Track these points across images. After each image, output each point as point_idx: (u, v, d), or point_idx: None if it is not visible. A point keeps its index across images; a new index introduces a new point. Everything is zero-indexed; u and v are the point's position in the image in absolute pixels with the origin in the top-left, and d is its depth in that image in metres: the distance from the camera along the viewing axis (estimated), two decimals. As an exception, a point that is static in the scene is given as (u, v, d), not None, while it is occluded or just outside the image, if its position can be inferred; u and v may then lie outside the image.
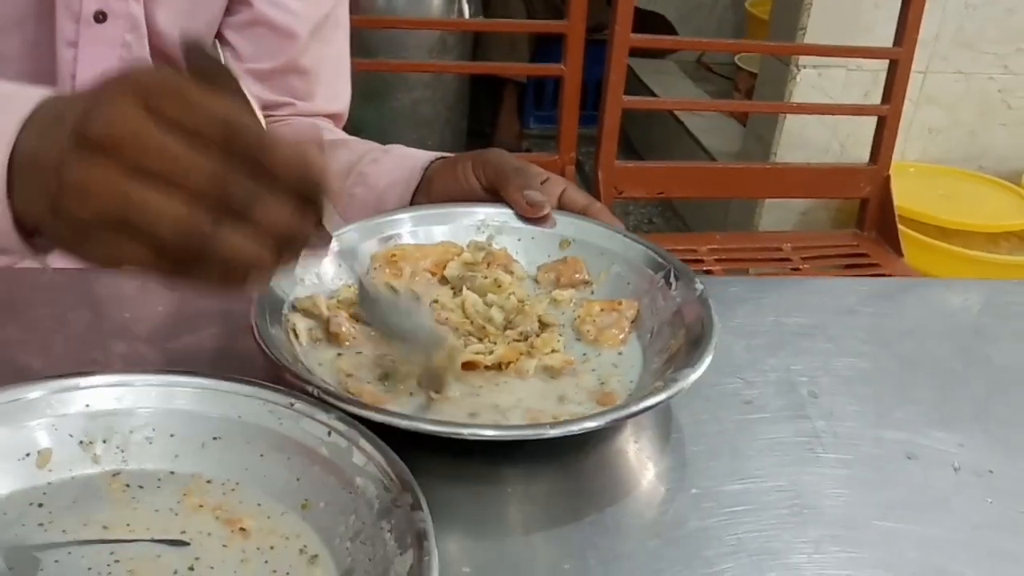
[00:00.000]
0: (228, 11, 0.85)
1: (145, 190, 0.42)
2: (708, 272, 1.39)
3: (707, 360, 0.55)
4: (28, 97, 0.49)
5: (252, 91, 0.87)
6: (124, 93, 0.43)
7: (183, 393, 0.50)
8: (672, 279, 0.64)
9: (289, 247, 0.45)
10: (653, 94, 3.06)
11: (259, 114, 0.45)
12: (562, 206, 0.71)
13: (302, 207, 0.44)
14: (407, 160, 0.80)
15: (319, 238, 0.47)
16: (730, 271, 1.45)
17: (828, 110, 1.79)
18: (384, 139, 0.93)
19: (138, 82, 0.43)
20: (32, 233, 0.49)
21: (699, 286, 0.62)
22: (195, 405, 0.50)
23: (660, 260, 0.66)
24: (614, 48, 1.42)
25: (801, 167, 1.72)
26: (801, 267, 1.47)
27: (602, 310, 0.65)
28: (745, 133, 2.56)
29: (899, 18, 1.50)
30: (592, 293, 0.67)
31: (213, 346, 0.63)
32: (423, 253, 0.68)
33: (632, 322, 0.64)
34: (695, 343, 0.57)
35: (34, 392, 0.48)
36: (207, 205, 0.42)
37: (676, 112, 2.88)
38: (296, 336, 0.58)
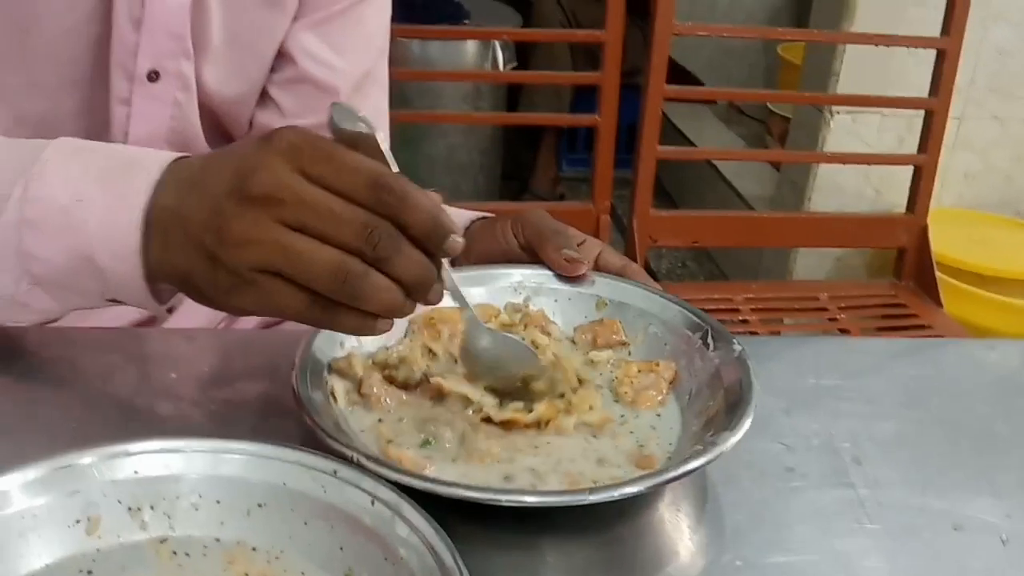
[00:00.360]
0: (272, 68, 0.88)
1: (302, 241, 0.48)
2: (744, 322, 1.39)
3: (747, 423, 0.55)
4: (155, 160, 0.56)
5: None
6: (277, 153, 0.50)
7: (229, 459, 0.51)
8: (710, 340, 0.64)
9: (418, 293, 0.51)
10: (686, 138, 3.08)
11: (398, 169, 0.52)
12: (598, 268, 0.72)
13: (430, 257, 0.51)
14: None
15: (439, 285, 0.53)
16: (765, 320, 1.45)
17: (863, 160, 1.79)
18: (419, 184, 0.94)
19: (289, 143, 0.50)
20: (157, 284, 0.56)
21: (737, 347, 0.62)
22: (241, 471, 0.50)
23: (697, 321, 0.66)
24: (648, 99, 1.43)
25: (836, 216, 1.71)
26: (838, 317, 1.46)
27: (640, 371, 0.65)
28: (779, 178, 2.56)
29: (934, 69, 1.50)
30: (629, 354, 0.67)
31: (259, 405, 0.64)
32: (458, 316, 0.68)
33: (670, 383, 0.64)
34: (734, 405, 0.57)
35: (85, 458, 0.49)
36: (356, 253, 0.48)
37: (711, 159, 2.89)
38: (335, 399, 0.59)
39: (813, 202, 2.24)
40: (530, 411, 0.59)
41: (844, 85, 2.13)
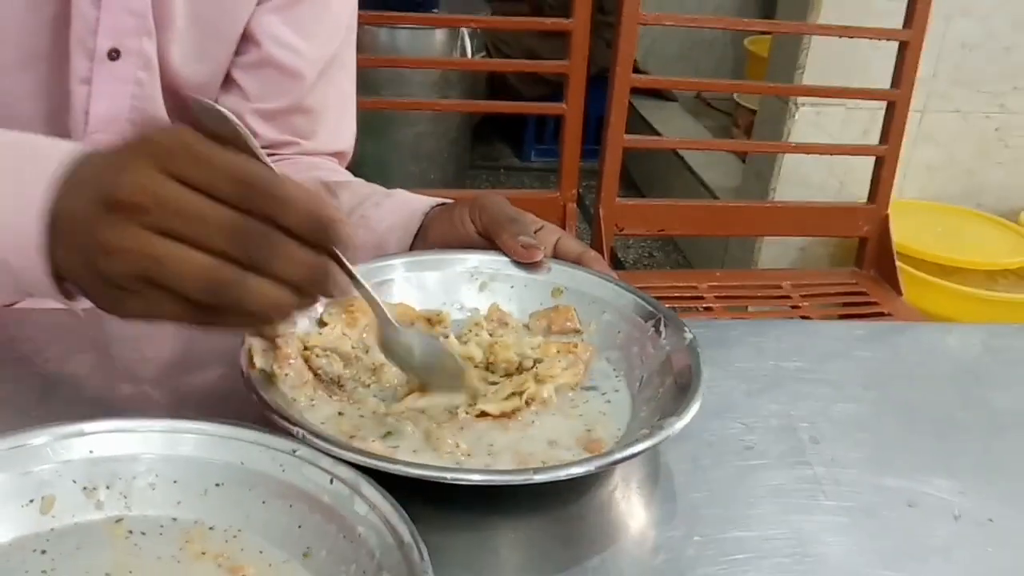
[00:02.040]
0: (237, 51, 0.87)
1: (171, 248, 0.45)
2: (708, 309, 1.40)
3: (694, 408, 0.55)
4: (55, 153, 0.52)
5: (258, 130, 0.89)
6: (143, 156, 0.46)
7: (186, 439, 0.50)
8: (662, 328, 0.64)
9: (309, 289, 0.48)
10: (653, 129, 3.09)
11: (271, 165, 0.48)
12: (556, 255, 0.72)
13: (318, 251, 0.48)
14: (408, 205, 0.80)
15: (342, 277, 0.50)
16: (730, 308, 1.46)
17: (826, 150, 1.81)
18: (386, 172, 0.94)
19: (155, 144, 0.47)
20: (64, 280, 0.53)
21: (688, 335, 0.62)
22: (198, 451, 0.50)
23: (651, 309, 0.66)
24: (615, 89, 1.44)
25: (800, 206, 1.73)
26: (800, 305, 1.47)
27: (558, 351, 0.65)
28: (744, 169, 2.58)
29: (896, 61, 1.51)
30: (583, 340, 0.67)
31: (221, 387, 0.63)
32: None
33: (586, 364, 0.64)
34: (683, 390, 0.57)
35: (38, 438, 0.49)
36: (229, 257, 0.45)
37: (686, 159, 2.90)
38: (253, 362, 0.58)
39: (778, 193, 2.26)
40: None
41: (809, 77, 2.14)
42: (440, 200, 0.80)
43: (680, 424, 0.53)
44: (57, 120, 0.79)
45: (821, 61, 2.13)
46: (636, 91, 1.46)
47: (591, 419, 0.60)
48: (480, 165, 3.19)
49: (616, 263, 2.57)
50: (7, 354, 0.66)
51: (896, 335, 0.85)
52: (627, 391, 0.63)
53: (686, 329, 0.63)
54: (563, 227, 1.45)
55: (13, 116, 0.76)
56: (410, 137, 2.51)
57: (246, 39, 0.87)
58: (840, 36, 1.55)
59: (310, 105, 0.91)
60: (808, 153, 1.82)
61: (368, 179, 0.91)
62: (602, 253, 1.46)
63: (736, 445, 0.62)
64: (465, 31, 2.49)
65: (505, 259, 0.71)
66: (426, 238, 0.77)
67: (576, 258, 0.71)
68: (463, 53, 2.52)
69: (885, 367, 0.75)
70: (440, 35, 2.45)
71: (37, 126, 0.77)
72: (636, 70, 1.50)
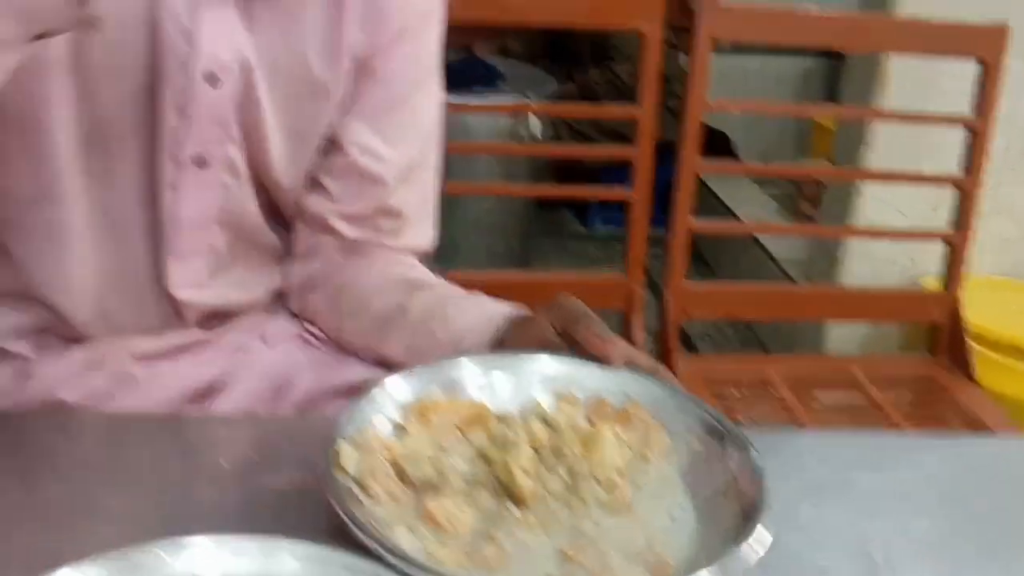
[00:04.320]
0: (322, 153, 0.90)
1: None
2: (779, 398, 1.39)
3: (766, 539, 0.55)
4: None
5: (343, 231, 0.92)
6: None
7: (282, 560, 0.53)
8: (729, 446, 0.65)
9: None
10: (717, 198, 3.10)
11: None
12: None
13: None
14: (488, 309, 0.83)
15: None
16: (799, 395, 1.45)
17: (894, 235, 1.80)
18: (453, 244, 0.96)
19: None
20: None
21: (755, 455, 0.62)
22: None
23: (719, 426, 0.66)
24: (682, 173, 1.46)
25: (869, 291, 1.72)
26: (871, 393, 1.46)
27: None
28: (811, 242, 2.57)
29: (965, 147, 1.51)
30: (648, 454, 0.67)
31: (297, 495, 0.65)
32: (454, 409, 0.69)
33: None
34: (750, 517, 0.57)
35: (139, 554, 0.51)
36: None
37: (742, 219, 2.91)
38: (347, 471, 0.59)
39: (846, 266, 2.23)
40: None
41: (877, 150, 2.13)
42: (519, 309, 0.82)
43: (753, 557, 0.54)
44: (151, 222, 0.82)
45: (889, 134, 2.12)
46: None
47: (653, 535, 0.60)
48: (545, 233, 3.23)
49: (684, 338, 2.56)
50: (96, 461, 0.69)
51: (975, 446, 0.85)
52: (692, 510, 0.63)
53: (752, 448, 0.63)
54: (630, 315, 1.48)
55: (116, 222, 0.81)
56: (476, 211, 2.56)
57: (332, 144, 0.89)
58: (907, 122, 1.55)
59: (393, 207, 0.93)
60: (875, 237, 1.81)
61: (435, 250, 0.94)
62: (669, 336, 1.48)
63: (806, 567, 0.62)
64: (529, 101, 2.55)
65: (579, 363, 0.71)
66: (505, 343, 0.78)
67: (647, 373, 0.72)
68: (528, 129, 2.57)
69: (963, 481, 0.74)
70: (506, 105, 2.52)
71: (134, 229, 0.82)
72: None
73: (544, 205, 3.19)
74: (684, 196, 1.46)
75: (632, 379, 0.71)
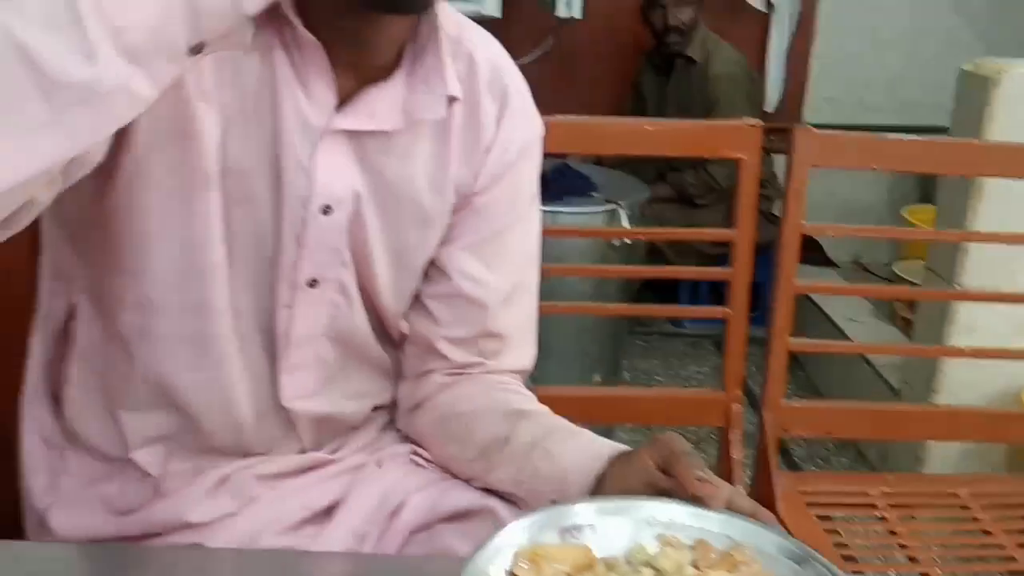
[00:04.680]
0: (427, 279, 0.95)
1: None
2: (882, 519, 1.38)
3: None
4: None
5: (448, 355, 0.97)
6: None
7: None
8: None
9: None
10: (808, 298, 3.09)
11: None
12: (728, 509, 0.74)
13: None
14: (593, 447, 0.86)
15: None
16: (902, 517, 1.43)
17: (996, 354, 1.78)
18: (545, 344, 1.00)
19: None
20: None
21: None
22: None
23: (827, 572, 0.67)
24: (780, 294, 1.48)
25: (974, 411, 1.70)
26: (979, 517, 1.43)
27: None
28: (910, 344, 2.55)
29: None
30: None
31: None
32: (564, 555, 0.70)
33: None
34: None
35: None
36: None
37: (835, 319, 2.89)
38: None
39: (945, 374, 2.20)
40: None
41: (974, 257, 2.12)
42: (623, 447, 0.85)
43: None
44: (264, 338, 0.88)
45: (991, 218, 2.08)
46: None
47: None
48: (635, 331, 3.25)
49: (784, 453, 2.53)
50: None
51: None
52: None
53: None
54: (728, 431, 1.50)
55: (235, 332, 0.86)
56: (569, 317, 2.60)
57: (437, 270, 0.95)
58: (1003, 243, 1.55)
59: (496, 330, 0.97)
60: (973, 357, 1.79)
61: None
62: (768, 453, 1.49)
63: None
64: (622, 212, 2.60)
65: (681, 506, 0.73)
66: (608, 480, 0.81)
67: (749, 515, 0.73)
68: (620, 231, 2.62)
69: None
70: (599, 215, 2.57)
71: (254, 343, 0.88)
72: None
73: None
74: (782, 316, 1.48)
75: (734, 521, 0.72)
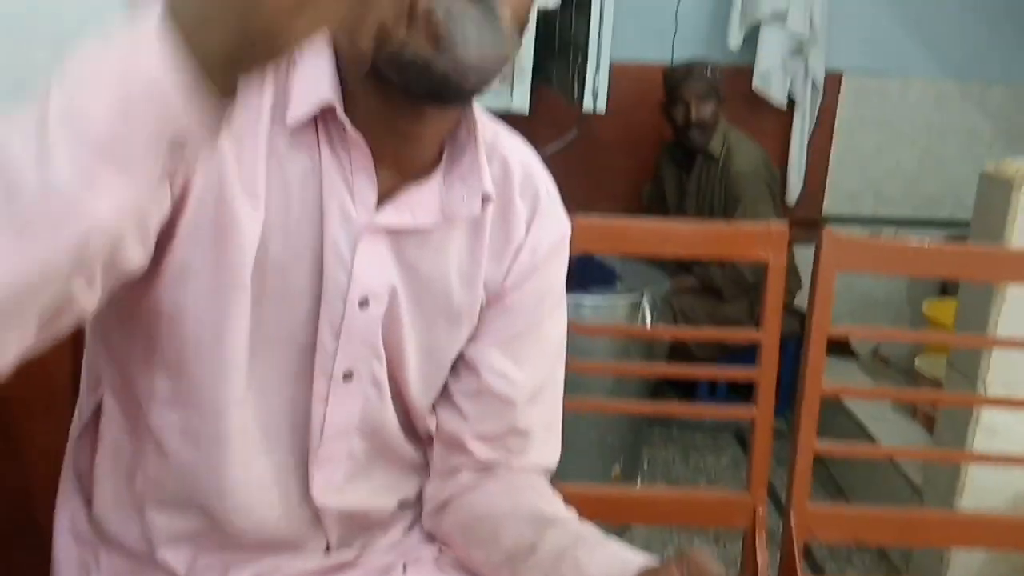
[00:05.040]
0: (456, 375, 0.96)
1: None
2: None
3: None
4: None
5: (475, 451, 0.97)
6: None
7: None
8: None
9: None
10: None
11: None
12: None
13: None
14: (620, 558, 0.86)
15: None
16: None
17: (1015, 460, 1.76)
18: (566, 436, 1.00)
19: None
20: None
21: None
22: None
23: None
24: (806, 396, 1.48)
25: (997, 518, 1.68)
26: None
27: None
28: (931, 443, 2.52)
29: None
30: None
31: None
32: None
33: None
34: None
35: None
36: None
37: (857, 415, 2.87)
38: None
39: (968, 476, 2.18)
40: None
41: (997, 357, 2.10)
42: (651, 561, 0.85)
43: None
44: (297, 430, 0.89)
45: (1015, 318, 2.07)
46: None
47: None
48: (654, 423, 3.24)
49: (809, 558, 2.50)
50: None
51: None
52: None
53: None
54: (753, 534, 1.48)
55: (270, 431, 0.87)
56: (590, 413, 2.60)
57: (467, 367, 0.96)
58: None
59: (522, 427, 0.98)
60: (997, 464, 1.78)
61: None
62: (794, 557, 1.47)
63: None
64: (646, 303, 2.62)
65: None
66: None
67: None
68: (643, 320, 2.64)
69: None
70: (622, 309, 2.59)
71: (284, 438, 0.89)
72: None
73: (653, 395, 3.22)
74: (808, 420, 1.48)
75: None
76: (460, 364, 0.97)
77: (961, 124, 3.60)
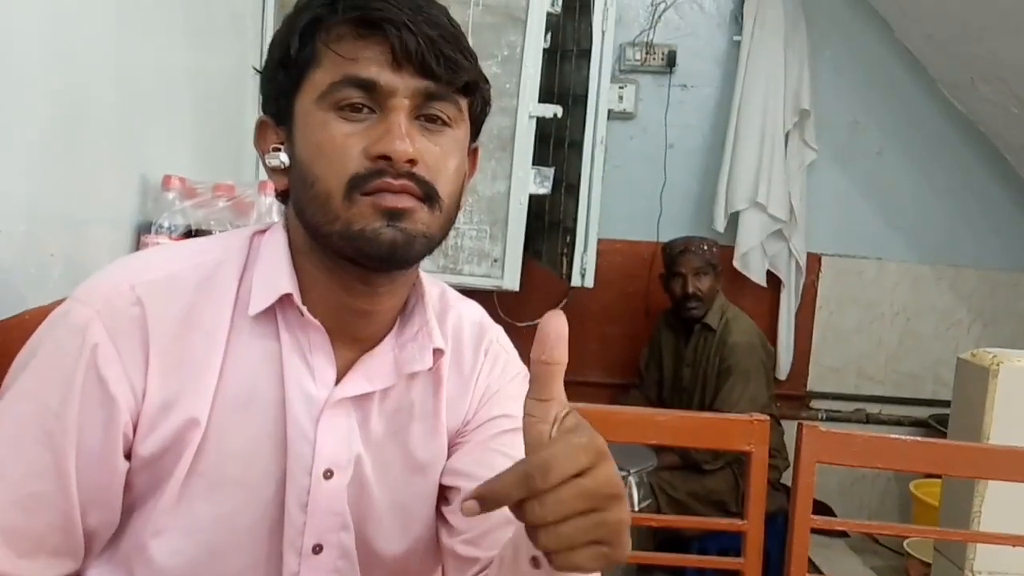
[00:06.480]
0: (445, 499, 0.96)
1: None
2: None
3: None
4: None
5: (461, 553, 0.93)
6: None
7: None
8: None
9: None
10: (817, 568, 3.04)
11: None
12: None
13: None
14: None
15: None
16: None
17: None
18: None
19: None
20: None
21: None
22: None
23: None
24: (792, 563, 1.49)
25: None
26: None
27: None
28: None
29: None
30: None
31: None
32: None
33: None
34: None
35: None
36: None
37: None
38: None
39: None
40: None
41: (983, 546, 2.10)
42: None
43: None
44: None
45: (999, 493, 2.05)
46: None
47: None
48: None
49: None
50: None
51: None
52: None
53: None
54: None
55: None
56: None
57: (451, 489, 0.95)
58: (1009, 544, 1.57)
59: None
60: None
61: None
62: None
63: None
64: (633, 480, 2.63)
65: None
66: None
67: None
68: (630, 499, 2.64)
69: None
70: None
71: None
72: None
73: (643, 571, 3.17)
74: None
75: None
76: (447, 490, 0.97)
77: (938, 305, 3.71)
